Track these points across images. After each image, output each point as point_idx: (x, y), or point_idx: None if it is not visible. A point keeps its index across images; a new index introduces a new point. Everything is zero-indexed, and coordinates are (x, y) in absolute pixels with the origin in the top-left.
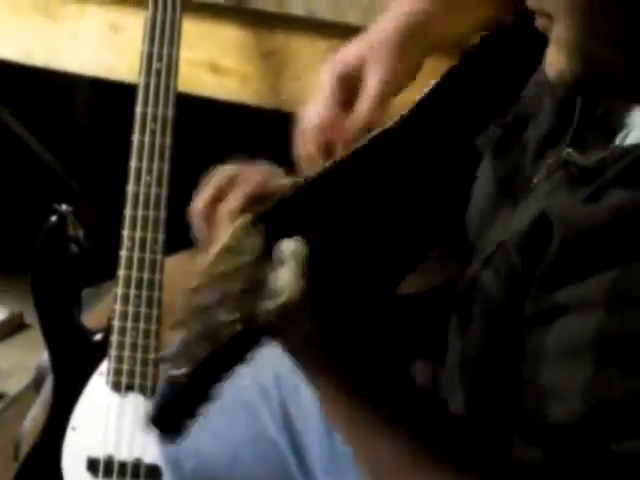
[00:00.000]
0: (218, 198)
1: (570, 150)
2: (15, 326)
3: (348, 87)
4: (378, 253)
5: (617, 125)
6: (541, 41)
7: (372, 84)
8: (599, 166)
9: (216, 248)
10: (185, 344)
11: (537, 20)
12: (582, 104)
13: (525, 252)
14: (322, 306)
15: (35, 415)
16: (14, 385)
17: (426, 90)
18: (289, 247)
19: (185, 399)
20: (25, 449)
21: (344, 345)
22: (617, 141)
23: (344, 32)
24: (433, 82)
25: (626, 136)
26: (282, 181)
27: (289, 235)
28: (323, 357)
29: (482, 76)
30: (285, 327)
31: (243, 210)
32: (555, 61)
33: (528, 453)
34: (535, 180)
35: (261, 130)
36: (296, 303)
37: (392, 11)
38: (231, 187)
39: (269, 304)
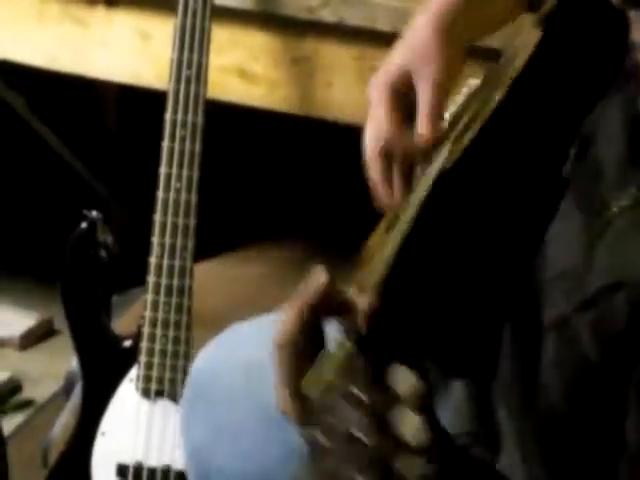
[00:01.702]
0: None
1: None
2: (45, 332)
3: (399, 99)
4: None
5: None
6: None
7: (426, 93)
8: None
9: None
10: None
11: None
12: None
13: (631, 309)
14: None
15: (65, 421)
16: (43, 391)
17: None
18: (405, 382)
19: None
20: (54, 455)
21: None
22: None
23: (374, 39)
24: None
25: None
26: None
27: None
28: None
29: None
30: None
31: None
32: None
33: None
34: (615, 209)
35: (289, 137)
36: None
37: (428, 4)
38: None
39: (403, 464)
